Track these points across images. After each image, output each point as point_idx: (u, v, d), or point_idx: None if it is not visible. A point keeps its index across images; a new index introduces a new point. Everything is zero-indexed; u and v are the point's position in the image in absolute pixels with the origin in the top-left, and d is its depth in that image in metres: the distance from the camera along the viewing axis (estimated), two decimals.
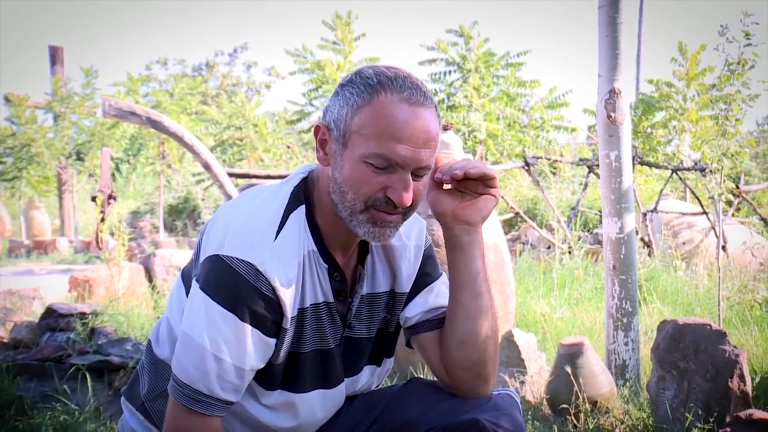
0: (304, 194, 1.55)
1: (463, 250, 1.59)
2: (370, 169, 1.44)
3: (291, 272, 1.46)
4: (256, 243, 1.44)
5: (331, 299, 1.56)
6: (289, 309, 1.47)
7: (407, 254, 1.67)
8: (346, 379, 1.64)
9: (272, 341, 1.47)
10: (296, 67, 10.03)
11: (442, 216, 1.60)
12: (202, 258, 1.48)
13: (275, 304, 1.45)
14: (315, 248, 1.52)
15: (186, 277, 1.60)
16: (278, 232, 1.46)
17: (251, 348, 1.44)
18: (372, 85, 1.45)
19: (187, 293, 1.55)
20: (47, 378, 3.50)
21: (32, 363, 3.60)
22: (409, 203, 1.46)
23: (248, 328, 1.42)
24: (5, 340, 4.15)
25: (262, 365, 1.48)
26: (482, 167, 1.56)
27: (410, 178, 1.46)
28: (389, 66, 1.50)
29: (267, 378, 1.52)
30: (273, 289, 1.43)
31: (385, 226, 1.48)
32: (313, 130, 1.55)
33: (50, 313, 4.19)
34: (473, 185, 1.58)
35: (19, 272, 9.37)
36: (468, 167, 1.55)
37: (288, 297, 1.46)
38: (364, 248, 1.62)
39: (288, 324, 1.48)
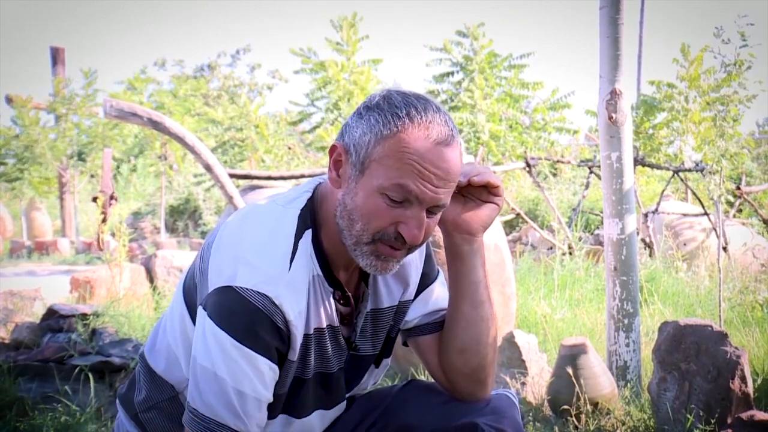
0: (310, 216, 1.49)
1: (464, 259, 1.57)
2: (384, 201, 1.39)
3: (302, 303, 1.43)
4: (271, 274, 1.39)
5: (335, 323, 1.53)
6: (298, 341, 1.44)
7: (415, 262, 1.64)
8: (349, 394, 1.63)
9: (278, 371, 1.44)
10: (300, 67, 10.05)
11: (442, 223, 1.56)
12: (210, 287, 1.42)
13: (285, 336, 1.41)
14: (320, 272, 1.48)
15: (188, 297, 1.54)
16: (291, 261, 1.41)
17: (268, 379, 1.41)
18: (400, 117, 1.39)
19: (191, 315, 1.51)
20: (48, 379, 3.50)
21: (33, 364, 3.60)
22: (419, 241, 1.42)
23: (262, 359, 1.38)
24: (6, 341, 4.16)
25: (272, 397, 1.45)
26: (486, 175, 1.51)
27: (425, 215, 1.41)
28: (419, 95, 1.44)
29: (269, 407, 1.48)
30: (286, 322, 1.40)
31: (388, 260, 1.44)
32: (328, 149, 1.48)
33: (51, 313, 4.19)
34: (476, 191, 1.54)
35: (20, 273, 9.37)
36: (472, 174, 1.51)
37: (298, 330, 1.43)
38: None
39: (295, 356, 1.45)
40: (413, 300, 1.66)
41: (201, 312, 1.42)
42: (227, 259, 1.42)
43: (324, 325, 1.51)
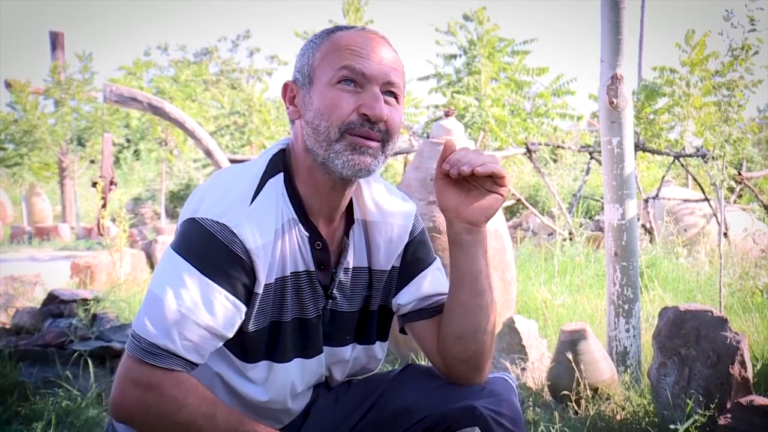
0: (282, 163, 1.53)
1: (464, 248, 1.55)
2: (339, 91, 1.43)
3: (266, 236, 1.44)
4: (231, 206, 1.42)
5: (312, 268, 1.53)
6: (263, 273, 1.44)
7: (388, 231, 1.63)
8: (326, 348, 1.62)
9: (242, 306, 1.43)
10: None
11: (445, 211, 1.55)
12: (178, 225, 1.48)
13: (248, 267, 1.42)
14: (294, 216, 1.49)
15: None
16: (254, 197, 1.45)
17: (219, 310, 1.39)
18: (329, 30, 1.51)
19: None
20: (49, 364, 3.51)
21: (34, 349, 3.61)
22: (383, 115, 1.43)
23: (218, 288, 1.38)
24: (7, 326, 4.16)
25: (230, 333, 1.43)
26: (491, 165, 1.47)
27: (380, 93, 1.44)
28: None
29: (250, 350, 1.50)
30: (247, 251, 1.40)
31: (364, 152, 1.44)
32: (281, 90, 1.55)
33: (52, 299, 4.20)
34: (481, 181, 1.51)
35: (20, 258, 9.38)
36: (476, 164, 1.47)
37: (262, 261, 1.43)
38: (349, 219, 1.59)
39: (260, 289, 1.45)
40: (406, 285, 1.65)
41: (168, 247, 1.46)
42: (196, 198, 1.48)
43: (301, 270, 1.52)
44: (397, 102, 1.49)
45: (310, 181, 1.50)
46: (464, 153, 1.51)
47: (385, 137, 1.47)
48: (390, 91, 1.47)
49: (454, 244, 1.57)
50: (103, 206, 9.84)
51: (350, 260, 1.59)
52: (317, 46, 1.48)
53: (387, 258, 1.63)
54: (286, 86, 1.53)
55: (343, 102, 1.43)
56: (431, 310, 1.65)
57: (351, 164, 1.44)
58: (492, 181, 1.51)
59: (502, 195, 1.52)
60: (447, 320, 1.60)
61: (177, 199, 14.88)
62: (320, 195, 1.51)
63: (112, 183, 10.04)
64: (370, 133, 1.44)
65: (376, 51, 1.46)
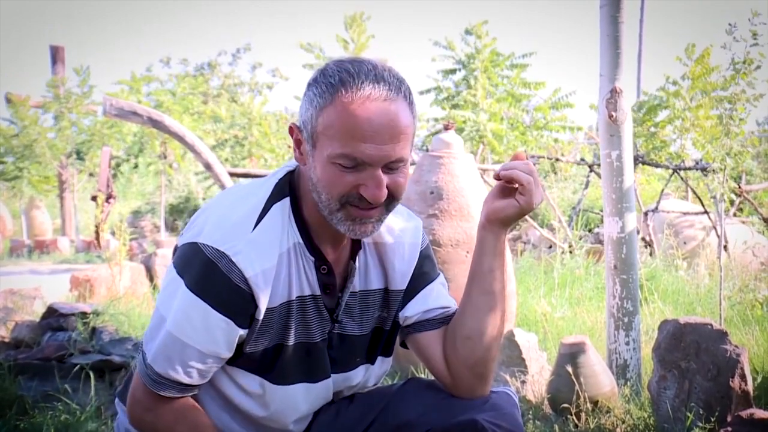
0: (290, 186, 1.53)
1: (479, 243, 1.59)
2: (338, 169, 1.41)
3: (268, 263, 1.45)
4: (233, 233, 1.43)
5: (317, 292, 1.54)
6: (264, 300, 1.45)
7: (401, 251, 1.64)
8: (335, 375, 1.62)
9: (243, 331, 1.47)
10: (309, 62, 10.04)
11: (483, 204, 1.60)
12: (180, 243, 1.49)
13: (247, 295, 1.43)
14: (300, 240, 1.51)
15: None
16: (257, 223, 1.45)
17: (219, 335, 1.44)
18: (333, 85, 1.41)
19: None
20: (48, 377, 3.50)
21: (33, 362, 3.60)
22: (382, 200, 1.44)
23: (218, 315, 1.42)
24: (6, 340, 4.16)
25: (229, 354, 1.48)
26: (513, 172, 1.50)
27: (381, 174, 1.42)
28: (354, 59, 1.46)
29: (247, 362, 1.52)
30: (245, 280, 1.42)
31: (365, 222, 1.46)
32: (288, 130, 1.55)
33: (51, 312, 4.19)
34: (518, 189, 1.53)
35: (20, 272, 9.37)
36: (505, 168, 1.52)
37: (262, 287, 1.44)
38: (356, 244, 1.60)
39: (261, 315, 1.46)
40: (412, 298, 1.66)
41: (171, 266, 1.49)
42: (201, 218, 1.50)
43: (306, 294, 1.53)
44: (404, 165, 1.47)
45: (316, 211, 1.51)
46: (512, 162, 1.54)
47: (390, 203, 1.48)
48: (393, 162, 1.44)
49: (477, 239, 1.61)
50: (102, 220, 9.84)
51: (356, 284, 1.60)
52: (321, 108, 1.41)
53: (403, 277, 1.65)
54: (292, 129, 1.51)
55: (342, 180, 1.42)
56: (436, 321, 1.66)
57: (353, 232, 1.48)
58: (517, 188, 1.53)
59: (518, 203, 1.53)
60: (458, 320, 1.62)
61: (176, 212, 14.88)
62: (326, 224, 1.51)
63: (110, 197, 10.04)
64: (368, 206, 1.45)
65: (381, 129, 1.39)
